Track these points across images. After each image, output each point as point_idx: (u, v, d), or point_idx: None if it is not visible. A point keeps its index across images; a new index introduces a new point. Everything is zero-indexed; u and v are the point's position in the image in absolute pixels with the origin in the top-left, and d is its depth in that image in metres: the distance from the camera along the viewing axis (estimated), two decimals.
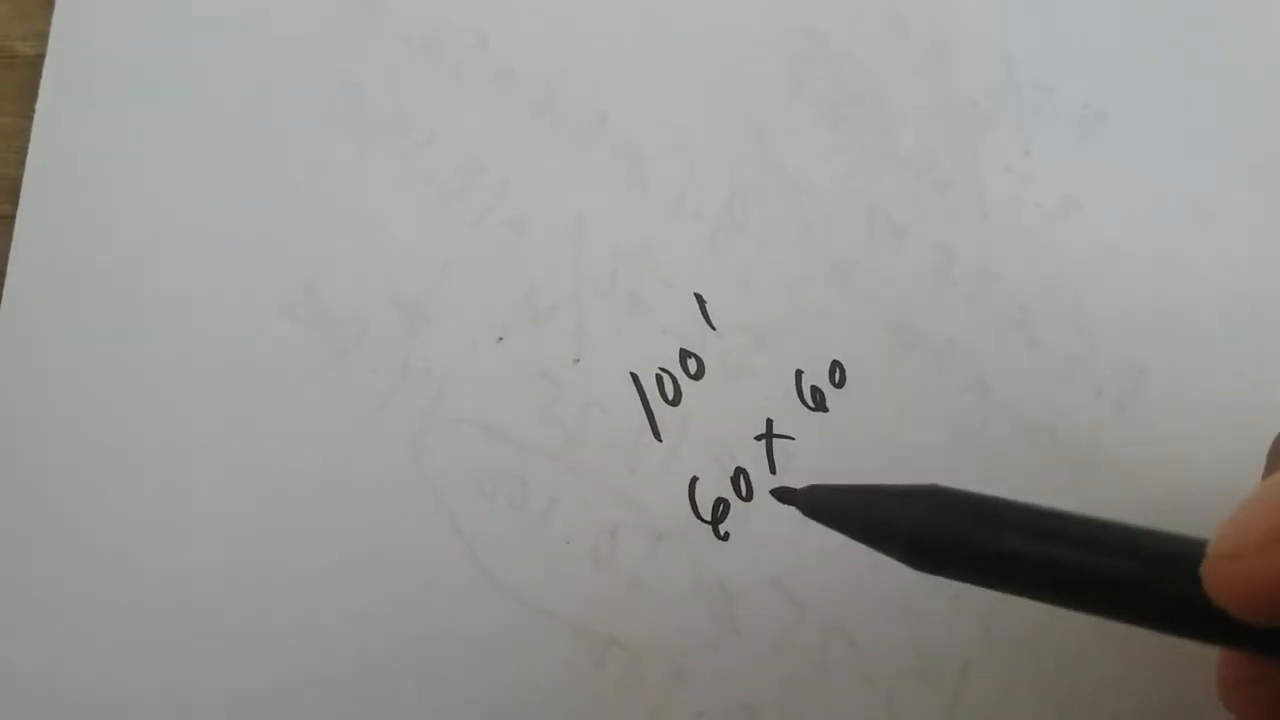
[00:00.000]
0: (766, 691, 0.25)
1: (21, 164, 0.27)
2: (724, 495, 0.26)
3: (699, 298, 0.27)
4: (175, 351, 0.26)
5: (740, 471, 0.26)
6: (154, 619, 0.25)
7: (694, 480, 0.26)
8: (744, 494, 0.26)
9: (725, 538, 0.26)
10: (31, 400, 0.26)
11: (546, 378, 0.26)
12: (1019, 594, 0.17)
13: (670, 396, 0.26)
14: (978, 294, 0.27)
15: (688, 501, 0.26)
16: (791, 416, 0.26)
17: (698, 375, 0.27)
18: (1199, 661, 0.25)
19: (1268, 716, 0.17)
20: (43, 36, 0.28)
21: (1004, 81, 0.29)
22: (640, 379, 0.26)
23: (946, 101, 0.28)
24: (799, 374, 0.27)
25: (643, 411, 0.26)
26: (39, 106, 0.28)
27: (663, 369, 0.27)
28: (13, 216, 0.27)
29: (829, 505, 0.18)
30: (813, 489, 0.18)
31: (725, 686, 0.25)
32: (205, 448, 0.26)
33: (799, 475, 0.26)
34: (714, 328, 0.27)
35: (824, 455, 0.26)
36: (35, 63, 0.28)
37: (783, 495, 0.19)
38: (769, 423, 0.26)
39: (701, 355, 0.27)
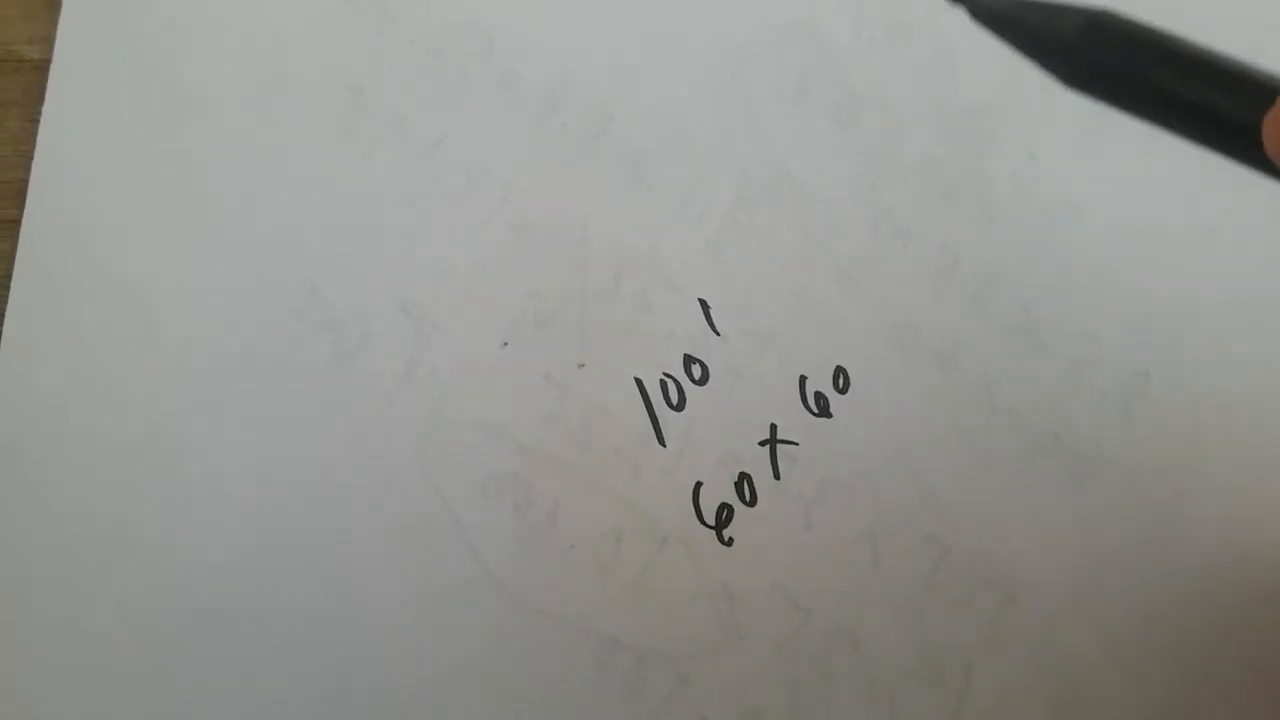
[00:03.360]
0: (770, 696, 0.25)
1: (27, 168, 0.27)
2: (728, 500, 0.26)
3: (703, 303, 0.27)
4: (180, 354, 0.26)
5: (744, 477, 0.26)
6: (157, 619, 0.25)
7: (698, 485, 0.26)
8: (748, 499, 0.26)
9: (729, 543, 0.26)
10: (37, 403, 0.26)
11: (551, 382, 0.26)
12: (1162, 126, 0.17)
13: (675, 402, 0.26)
14: (983, 297, 0.27)
15: (692, 506, 0.26)
16: (795, 422, 0.26)
17: (702, 380, 0.27)
18: (1202, 665, 0.25)
19: None
20: (49, 40, 0.28)
21: (1009, 85, 0.29)
22: (645, 384, 0.26)
23: (952, 105, 0.28)
24: (803, 379, 0.27)
25: (647, 416, 0.26)
26: (45, 110, 0.28)
27: (667, 374, 0.27)
28: (18, 220, 0.27)
29: (997, 9, 0.18)
30: None
31: (729, 691, 0.25)
32: (210, 450, 0.26)
33: (803, 481, 0.26)
34: (718, 333, 0.27)
35: (828, 461, 0.26)
36: (41, 67, 0.28)
37: None
38: (773, 428, 0.26)
39: (706, 360, 0.27)
